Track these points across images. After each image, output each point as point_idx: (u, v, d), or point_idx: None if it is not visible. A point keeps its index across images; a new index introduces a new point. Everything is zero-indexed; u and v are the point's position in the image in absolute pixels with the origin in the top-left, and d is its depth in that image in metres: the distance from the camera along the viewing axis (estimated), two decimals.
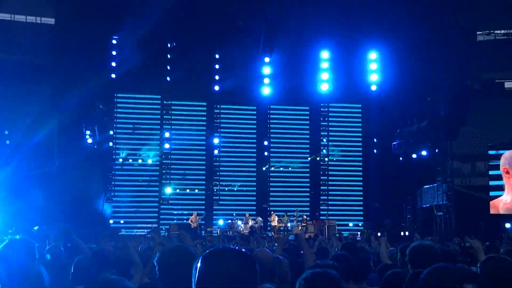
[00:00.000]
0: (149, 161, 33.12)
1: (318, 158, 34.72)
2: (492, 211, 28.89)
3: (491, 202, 29.15)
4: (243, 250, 2.85)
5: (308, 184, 34.50)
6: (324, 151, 35.12)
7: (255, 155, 34.30)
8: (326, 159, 35.06)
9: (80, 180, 29.65)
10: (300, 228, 29.27)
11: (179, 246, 4.57)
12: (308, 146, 34.84)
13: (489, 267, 3.96)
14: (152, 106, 33.52)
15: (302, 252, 8.17)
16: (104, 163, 32.28)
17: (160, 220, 32.43)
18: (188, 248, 4.57)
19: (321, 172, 34.81)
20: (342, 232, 26.29)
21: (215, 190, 33.69)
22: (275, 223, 31.27)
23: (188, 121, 33.74)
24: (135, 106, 33.26)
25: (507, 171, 28.38)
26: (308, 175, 34.70)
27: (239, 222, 30.78)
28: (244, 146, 34.23)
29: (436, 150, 31.19)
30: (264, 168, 34.17)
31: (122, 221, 31.72)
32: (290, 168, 34.25)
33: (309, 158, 34.64)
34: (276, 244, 12.43)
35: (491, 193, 29.44)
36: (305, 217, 31.35)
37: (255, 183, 34.11)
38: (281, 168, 34.23)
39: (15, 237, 4.93)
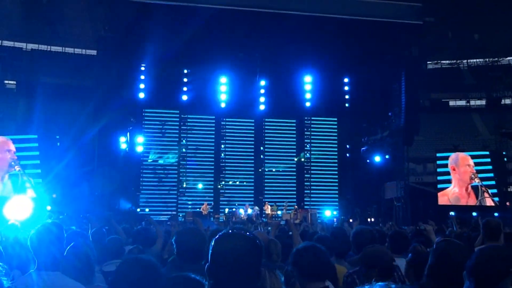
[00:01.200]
0: (170, 162, 32.68)
1: (302, 159, 34.31)
2: (440, 201, 28.65)
3: (439, 193, 28.98)
4: (249, 233, 2.73)
5: (295, 181, 34.15)
6: (308, 154, 34.71)
7: (253, 158, 33.93)
8: (309, 161, 34.64)
9: (115, 177, 28.77)
10: (291, 216, 28.66)
11: (192, 228, 4.54)
12: (294, 150, 34.44)
13: (442, 247, 3.82)
14: (172, 119, 33.12)
15: (290, 233, 8.11)
16: (134, 164, 31.78)
17: (178, 209, 32.07)
18: (199, 229, 4.54)
19: (305, 172, 34.49)
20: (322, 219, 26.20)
21: (221, 185, 33.39)
22: (268, 211, 30.82)
23: (201, 130, 33.36)
24: (159, 119, 32.90)
25: (454, 168, 28.58)
26: (294, 173, 34.31)
27: (241, 210, 30.25)
28: (244, 151, 33.76)
29: (395, 155, 30.84)
30: (260, 170, 33.76)
31: (147, 210, 31.23)
32: (280, 169, 33.83)
33: (295, 160, 34.28)
34: (269, 228, 12.15)
35: (439, 186, 29.39)
36: (296, 207, 30.73)
37: (253, 180, 33.80)
38: (274, 170, 33.76)
39: (48, 221, 4.64)
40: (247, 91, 31.86)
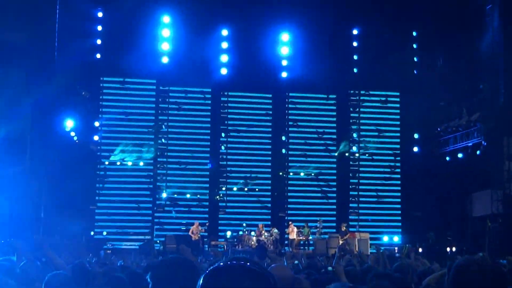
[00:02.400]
0: (141, 162, 33.16)
1: (346, 154, 34.52)
2: None
3: None
4: (257, 266, 2.91)
5: (335, 189, 34.34)
6: (354, 148, 34.80)
7: (270, 152, 34.17)
8: (356, 158, 35.05)
9: (57, 182, 29.28)
10: (340, 241, 28.96)
11: (176, 257, 4.67)
12: (334, 142, 34.70)
13: None
14: (145, 92, 33.60)
15: (330, 268, 8.35)
16: (87, 162, 31.88)
17: (154, 231, 32.33)
18: (187, 259, 4.73)
19: (351, 174, 34.66)
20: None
21: (221, 194, 33.53)
22: (293, 235, 30.96)
23: (189, 110, 33.66)
24: (125, 93, 33.13)
25: None
26: (334, 177, 34.45)
27: (252, 234, 30.54)
28: (257, 142, 34.22)
29: (490, 150, 30.10)
30: (281, 173, 34.24)
31: (105, 233, 31.66)
32: (312, 172, 34.24)
33: (335, 155, 34.45)
34: (296, 261, 12.61)
35: None
36: (345, 228, 30.73)
37: (270, 188, 34.02)
38: (303, 174, 34.25)
39: None
40: (261, 49, 32.91)
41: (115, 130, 33.07)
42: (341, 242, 28.54)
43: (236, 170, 33.88)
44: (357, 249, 27.15)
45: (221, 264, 2.89)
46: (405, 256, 19.20)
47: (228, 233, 31.59)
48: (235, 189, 33.64)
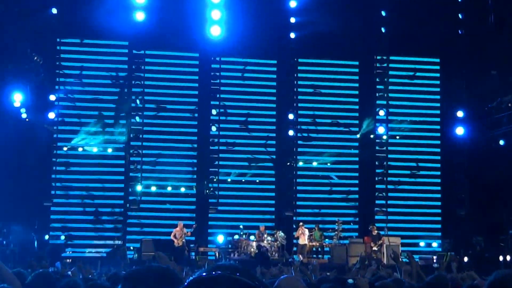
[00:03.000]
0: (110, 148, 32.76)
1: (371, 136, 33.97)
2: None
3: None
4: (249, 277, 2.93)
5: (357, 182, 33.76)
6: (382, 128, 33.98)
7: (274, 134, 33.74)
8: (384, 141, 34.34)
9: (1, 172, 28.99)
10: (375, 248, 28.83)
11: (155, 267, 4.55)
12: (356, 122, 34.06)
13: None
14: (115, 58, 33.28)
15: (351, 281, 8.85)
16: (40, 146, 31.60)
17: (127, 235, 31.98)
18: (169, 269, 4.53)
19: (377, 162, 34.10)
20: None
21: (211, 188, 33.11)
22: (304, 240, 30.36)
23: (171, 81, 33.39)
24: (88, 58, 32.74)
25: None
26: (356, 166, 33.90)
27: (251, 238, 30.19)
28: (257, 121, 33.66)
29: None
30: (289, 163, 33.80)
31: (63, 237, 31.45)
32: (328, 160, 33.59)
33: (357, 137, 33.97)
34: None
35: None
36: (375, 231, 30.33)
37: (273, 179, 33.67)
38: (315, 163, 33.64)
39: None
40: (265, 7, 32.45)
41: (76, 106, 32.56)
42: (375, 249, 28.68)
43: (230, 158, 33.49)
44: (385, 258, 28.11)
45: (203, 274, 2.90)
46: (445, 267, 19.61)
47: (221, 238, 31.24)
48: (229, 180, 33.23)
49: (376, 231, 29.99)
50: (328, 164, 33.62)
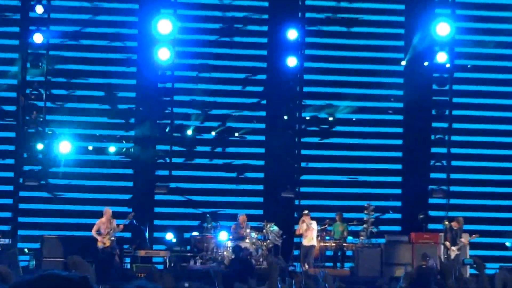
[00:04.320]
0: None
1: (426, 64, 29.98)
2: None
3: None
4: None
5: (401, 142, 30.49)
6: (444, 55, 28.84)
7: (265, 76, 30.40)
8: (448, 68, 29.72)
9: None
10: (453, 254, 26.31)
11: (47, 275, 4.18)
12: (402, 56, 30.15)
13: None
14: None
15: None
16: None
17: (18, 229, 28.79)
18: (84, 277, 4.18)
19: (434, 112, 30.40)
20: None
21: (160, 153, 29.79)
22: (311, 239, 26.43)
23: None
24: None
25: None
26: (400, 117, 30.66)
27: (223, 235, 26.81)
28: (241, 55, 30.83)
29: None
30: (286, 116, 31.06)
31: None
32: (354, 116, 30.47)
33: (402, 64, 30.09)
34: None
35: None
36: (458, 224, 26.83)
37: (263, 137, 30.45)
38: (331, 118, 30.47)
39: None
40: None
41: None
42: (453, 255, 25.51)
43: (191, 102, 29.59)
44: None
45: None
46: None
47: (169, 235, 27.81)
48: (189, 132, 29.07)
49: (458, 224, 26.13)
50: (353, 120, 29.89)
